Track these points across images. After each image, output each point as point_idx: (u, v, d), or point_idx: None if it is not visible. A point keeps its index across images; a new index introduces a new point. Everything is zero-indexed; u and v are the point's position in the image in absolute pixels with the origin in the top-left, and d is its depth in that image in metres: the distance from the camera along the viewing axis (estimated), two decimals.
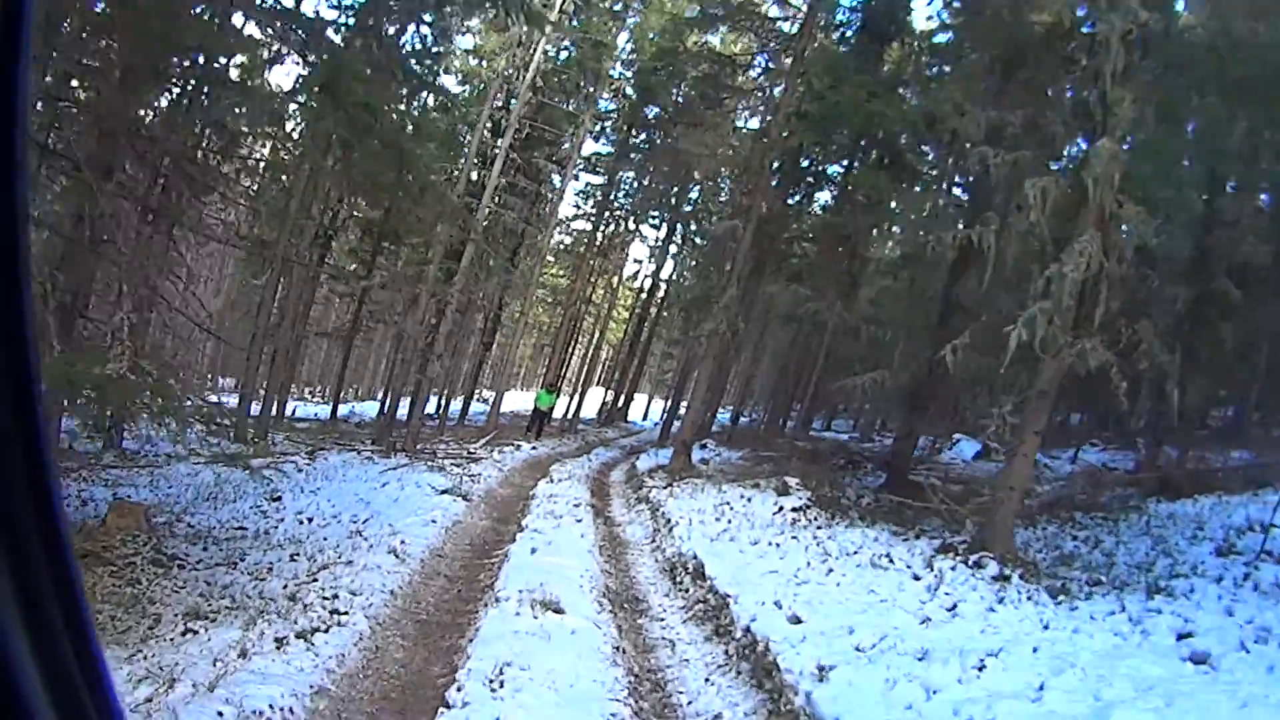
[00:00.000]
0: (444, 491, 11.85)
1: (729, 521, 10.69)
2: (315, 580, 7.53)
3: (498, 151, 17.59)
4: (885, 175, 17.59)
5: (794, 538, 9.67)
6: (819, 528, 10.64)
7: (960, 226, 12.83)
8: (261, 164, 19.50)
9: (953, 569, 8.43)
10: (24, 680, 0.87)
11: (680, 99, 23.28)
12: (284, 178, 22.06)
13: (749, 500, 11.78)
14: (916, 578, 8.14)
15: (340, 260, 27.99)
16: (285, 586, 7.39)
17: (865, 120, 14.88)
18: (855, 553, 8.93)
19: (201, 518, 10.48)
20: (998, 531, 9.32)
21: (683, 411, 30.83)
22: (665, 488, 13.50)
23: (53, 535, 0.93)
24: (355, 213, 26.85)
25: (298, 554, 8.66)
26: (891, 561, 8.63)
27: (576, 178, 28.54)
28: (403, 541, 8.75)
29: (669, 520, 10.75)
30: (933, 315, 14.19)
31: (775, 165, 15.72)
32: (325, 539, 9.22)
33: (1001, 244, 10.06)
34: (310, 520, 10.19)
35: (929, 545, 9.49)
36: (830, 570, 8.16)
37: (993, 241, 10.03)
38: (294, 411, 30.83)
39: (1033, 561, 9.10)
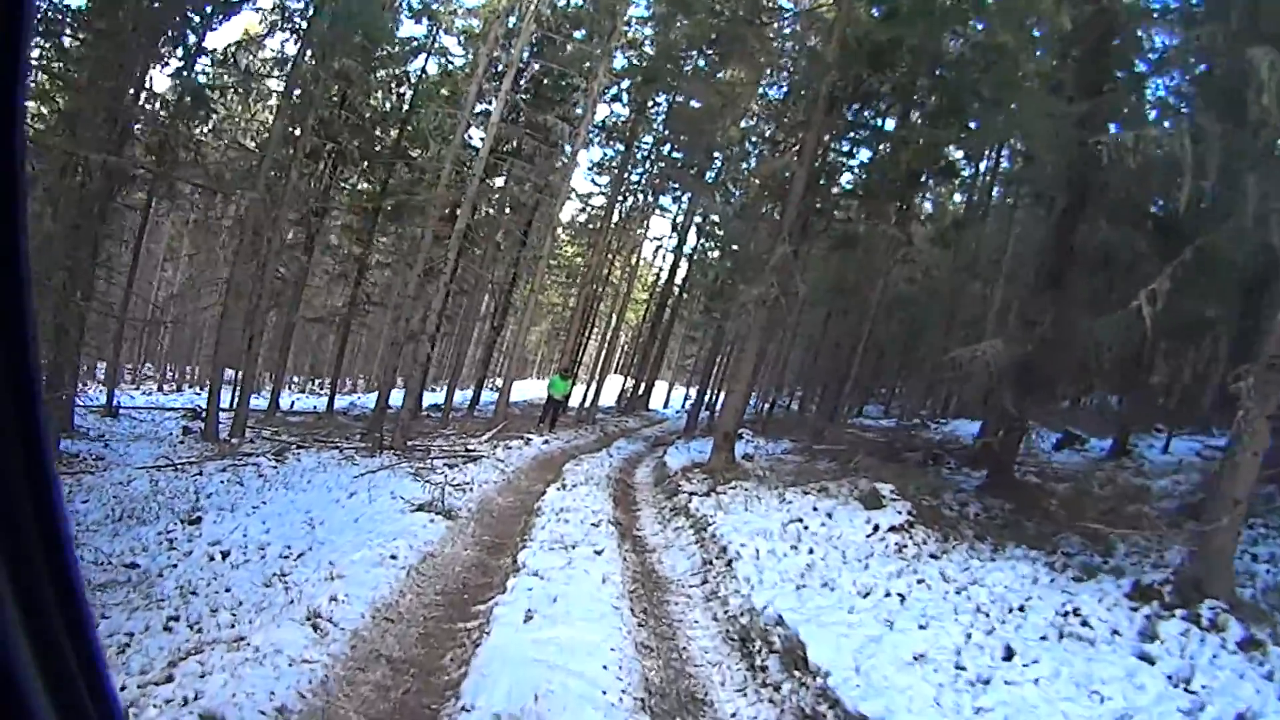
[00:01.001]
0: (420, 508, 8.70)
1: (810, 550, 7.48)
2: (170, 680, 4.48)
3: (497, 96, 14.36)
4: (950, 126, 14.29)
5: (919, 579, 6.45)
6: (933, 555, 7.49)
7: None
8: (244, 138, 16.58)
9: (1183, 634, 5.23)
10: (24, 680, 0.84)
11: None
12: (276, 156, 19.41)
13: (828, 516, 8.57)
14: (1146, 657, 4.92)
15: (341, 239, 24.96)
16: (124, 687, 4.37)
17: (944, 18, 11.47)
18: (1022, 608, 5.72)
19: (93, 546, 7.47)
20: (1215, 564, 6.14)
21: (708, 398, 27.79)
22: (708, 494, 10.30)
23: (53, 535, 0.91)
24: (351, 183, 23.84)
25: (178, 617, 5.62)
26: (1087, 625, 5.41)
27: (589, 144, 25.34)
28: (335, 598, 5.64)
29: (723, 547, 7.56)
30: (1042, 271, 10.92)
31: (828, 94, 12.33)
32: (230, 589, 6.14)
33: (1200, 150, 6.83)
34: (225, 555, 7.10)
35: (1113, 587, 6.27)
36: (1010, 651, 4.91)
37: (1188, 145, 6.81)
38: (292, 404, 28.05)
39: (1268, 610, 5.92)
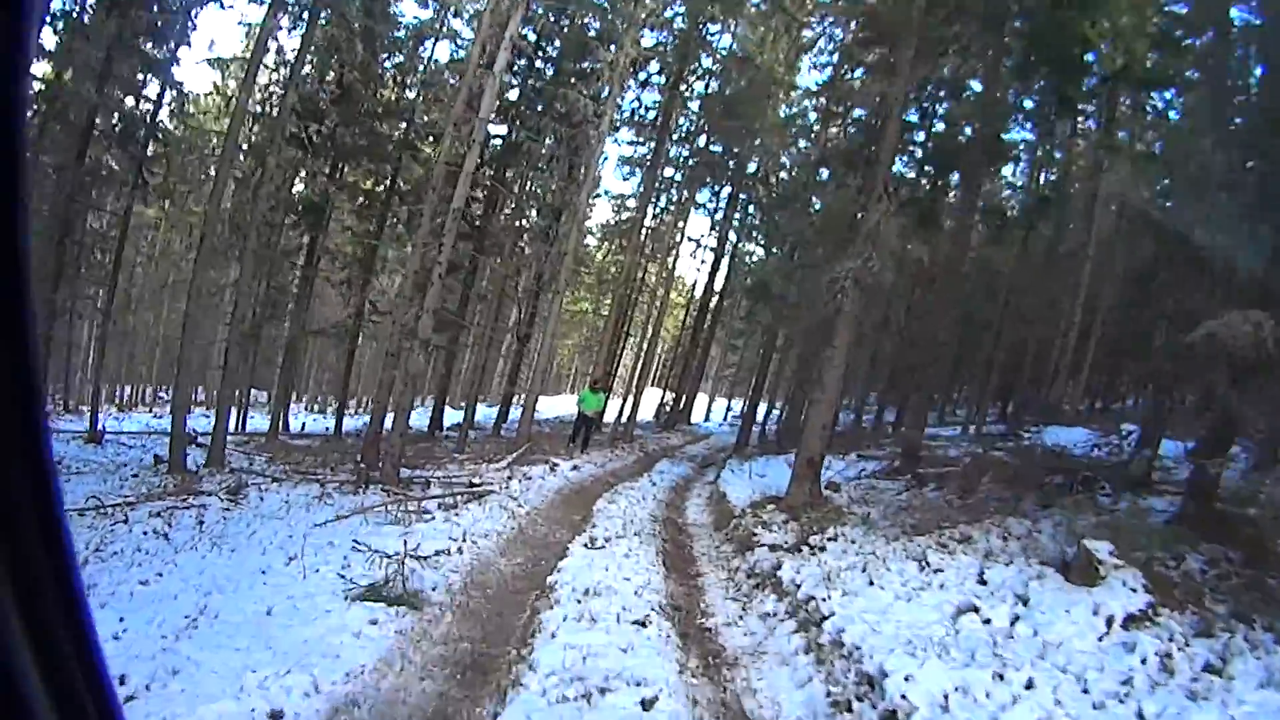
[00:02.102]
0: (370, 592, 5.46)
1: (1027, 683, 4.04)
2: None
3: (501, 42, 11.21)
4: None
5: None
6: (1211, 668, 4.16)
7: None
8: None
9: None
10: (24, 680, 0.84)
11: None
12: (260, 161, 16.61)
13: (1018, 599, 5.14)
14: None
15: (345, 243, 22.00)
16: None
17: None
18: None
19: None
20: None
21: (759, 410, 24.36)
22: (798, 548, 6.97)
23: (53, 536, 0.90)
24: (351, 178, 20.89)
25: None
26: None
27: (618, 134, 22.19)
28: None
29: (866, 675, 4.24)
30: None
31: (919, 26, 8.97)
32: None
33: None
34: None
35: None
36: None
37: None
38: (303, 426, 25.17)
39: None
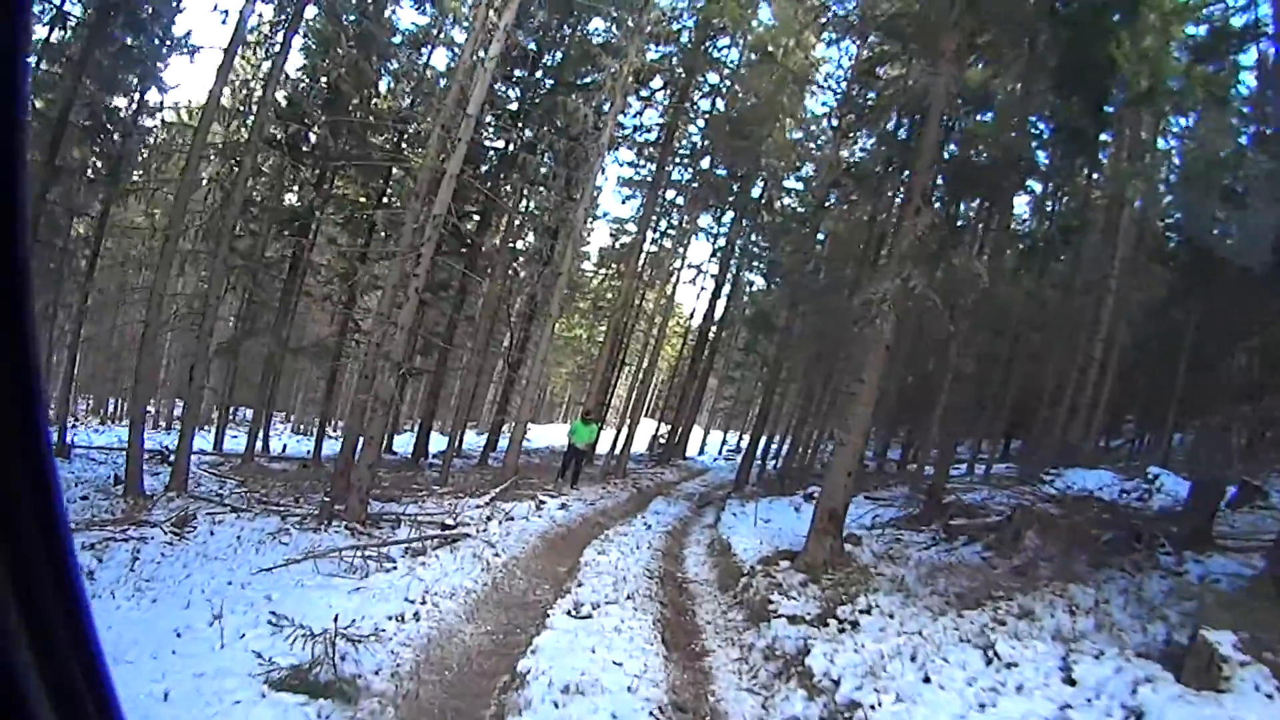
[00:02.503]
0: (293, 678, 4.24)
1: None
2: None
3: (495, 33, 10.17)
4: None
5: None
6: None
7: None
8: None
9: None
10: (25, 679, 0.84)
11: None
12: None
13: (1128, 710, 3.93)
14: None
15: (330, 257, 20.84)
16: None
17: None
18: None
19: None
20: None
21: (758, 445, 23.11)
22: (824, 621, 5.80)
23: (53, 536, 0.90)
24: (340, 189, 19.81)
25: None
26: None
27: (619, 152, 21.22)
28: None
29: None
30: None
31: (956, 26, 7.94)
32: None
33: None
34: None
35: None
36: None
37: None
38: (284, 448, 23.83)
39: None
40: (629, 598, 6.71)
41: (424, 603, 5.97)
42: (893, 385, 18.96)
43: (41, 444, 0.89)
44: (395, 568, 7.42)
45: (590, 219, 23.40)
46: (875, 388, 7.48)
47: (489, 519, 10.22)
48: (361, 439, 10.37)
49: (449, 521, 10.05)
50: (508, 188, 18.82)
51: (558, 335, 41.70)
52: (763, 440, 22.02)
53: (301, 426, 36.50)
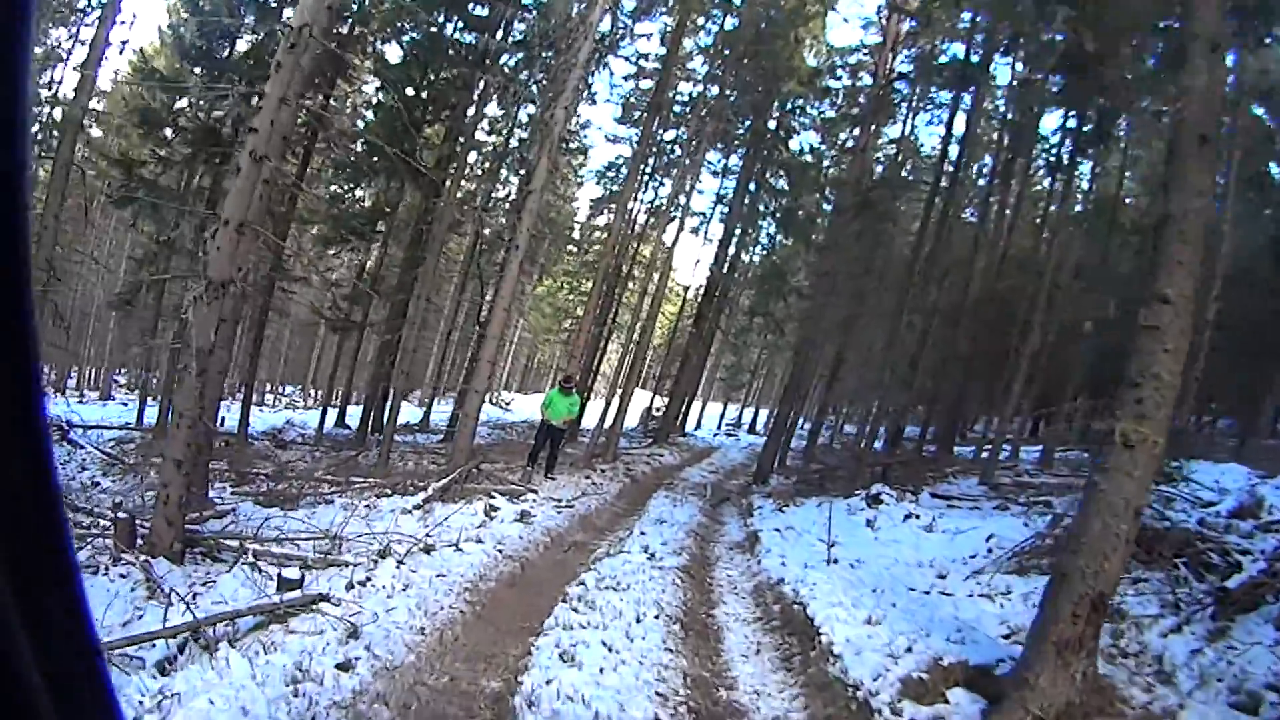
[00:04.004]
0: None
1: None
2: None
3: None
4: None
5: None
6: None
7: None
8: None
9: None
10: (25, 679, 0.81)
11: None
12: None
13: None
14: None
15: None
16: None
17: None
18: None
19: None
20: None
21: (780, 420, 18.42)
22: None
23: (54, 535, 0.88)
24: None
25: None
26: None
27: (612, 50, 16.67)
28: None
29: None
30: None
31: None
32: None
33: None
34: None
35: None
36: None
37: None
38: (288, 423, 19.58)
39: None
40: None
41: None
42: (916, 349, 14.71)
43: (42, 441, 0.85)
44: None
45: (573, 121, 18.81)
46: (1187, 324, 3.21)
47: (384, 553, 5.94)
48: (183, 417, 5.99)
49: (315, 556, 5.78)
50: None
51: (545, 298, 37.29)
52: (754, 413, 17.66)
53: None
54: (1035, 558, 7.10)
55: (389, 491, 9.46)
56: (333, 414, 20.67)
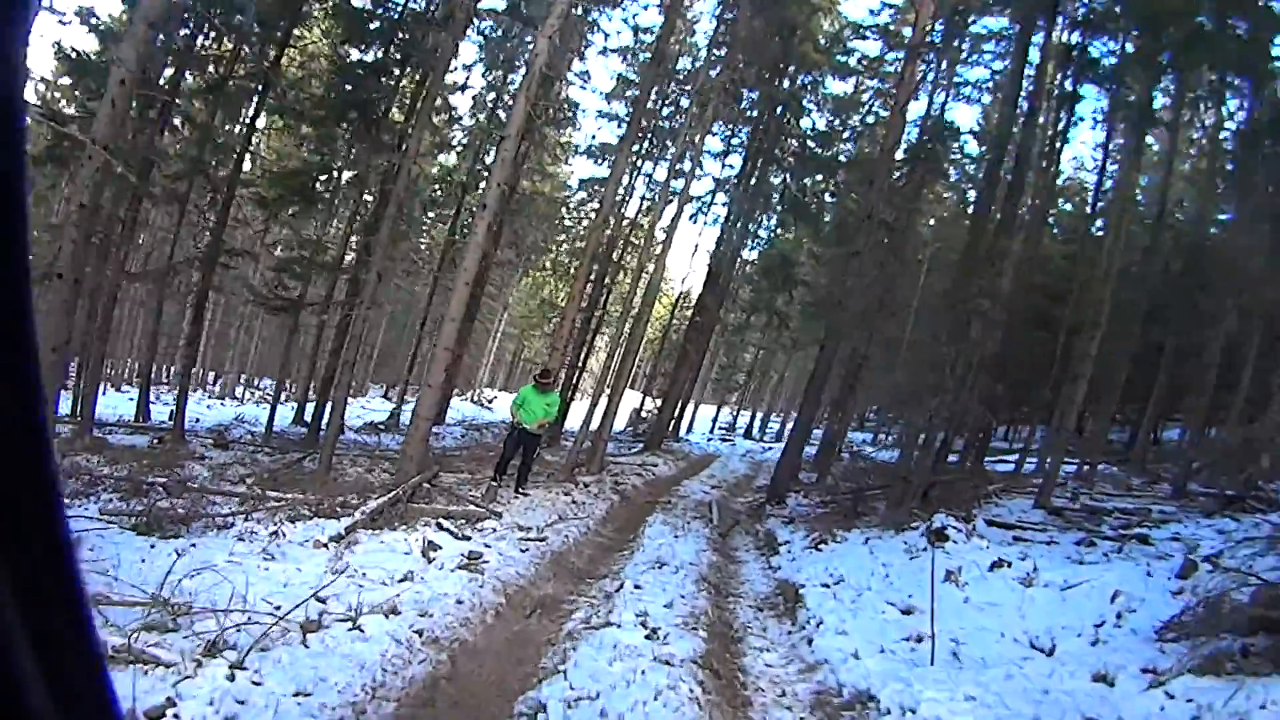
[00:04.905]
0: None
1: None
2: None
3: None
4: None
5: None
6: None
7: None
8: None
9: None
10: (25, 679, 0.77)
11: None
12: None
13: None
14: None
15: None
16: None
17: None
18: None
19: None
20: None
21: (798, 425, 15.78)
22: None
23: (54, 534, 0.83)
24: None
25: None
26: None
27: None
28: None
29: None
30: None
31: None
32: None
33: None
34: None
35: None
36: None
37: None
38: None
39: None
40: None
41: None
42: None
43: (43, 443, 0.81)
44: None
45: (562, 67, 16.36)
46: None
47: (215, 648, 3.55)
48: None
49: (118, 643, 3.43)
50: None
51: (533, 291, 34.70)
52: (750, 415, 15.20)
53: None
54: (1205, 633, 4.88)
55: (309, 513, 7.14)
56: (293, 410, 18.29)
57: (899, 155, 14.47)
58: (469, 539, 6.71)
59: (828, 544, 7.38)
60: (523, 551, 6.52)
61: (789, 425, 38.55)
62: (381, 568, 5.51)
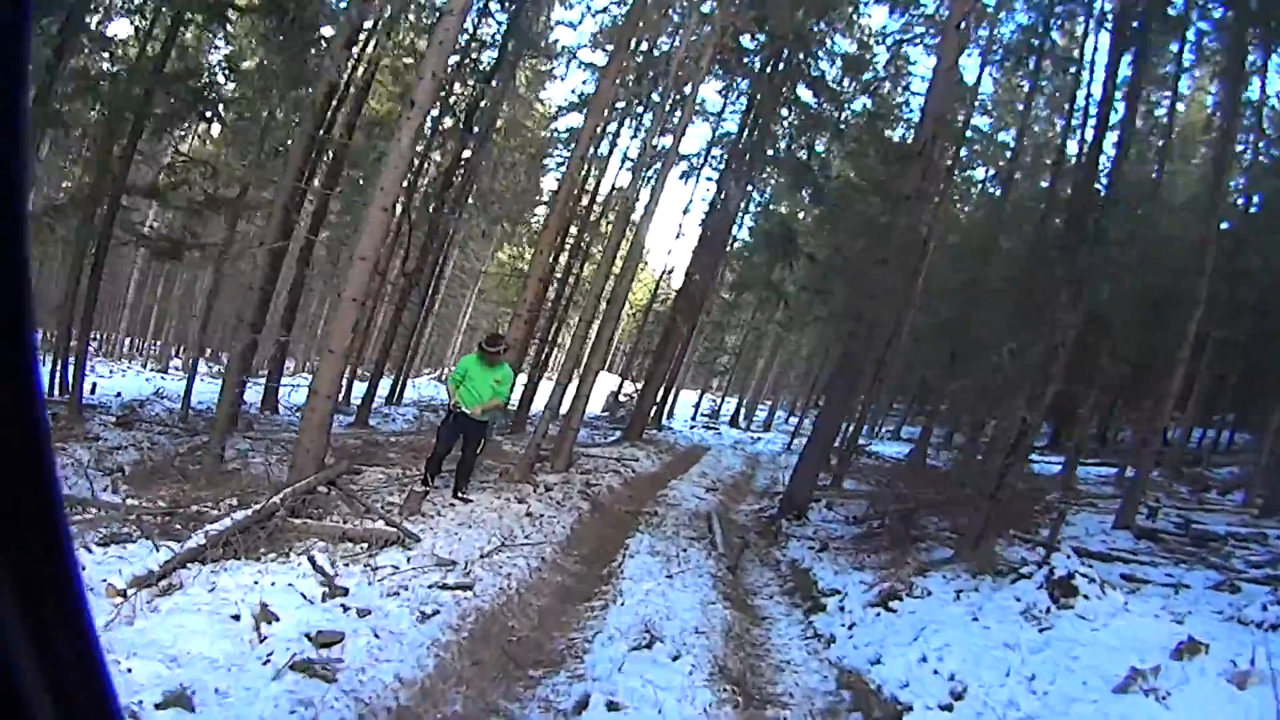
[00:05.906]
0: None
1: None
2: None
3: None
4: None
5: None
6: None
7: None
8: None
9: None
10: (24, 679, 0.76)
11: None
12: None
13: None
14: None
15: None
16: None
17: None
18: None
19: None
20: None
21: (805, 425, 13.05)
22: None
23: (53, 533, 0.81)
24: None
25: None
26: None
27: None
28: None
29: None
30: None
31: None
32: None
33: None
34: None
35: None
36: None
37: None
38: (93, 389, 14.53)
39: None
40: None
41: None
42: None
43: (42, 439, 0.79)
44: None
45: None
46: None
47: None
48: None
49: None
50: None
51: (509, 264, 31.77)
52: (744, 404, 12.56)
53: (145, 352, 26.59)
54: None
55: (137, 532, 4.78)
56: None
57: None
58: (344, 592, 4.12)
59: (901, 599, 4.83)
60: (425, 618, 3.90)
61: (779, 414, 36.19)
62: (162, 657, 2.98)
